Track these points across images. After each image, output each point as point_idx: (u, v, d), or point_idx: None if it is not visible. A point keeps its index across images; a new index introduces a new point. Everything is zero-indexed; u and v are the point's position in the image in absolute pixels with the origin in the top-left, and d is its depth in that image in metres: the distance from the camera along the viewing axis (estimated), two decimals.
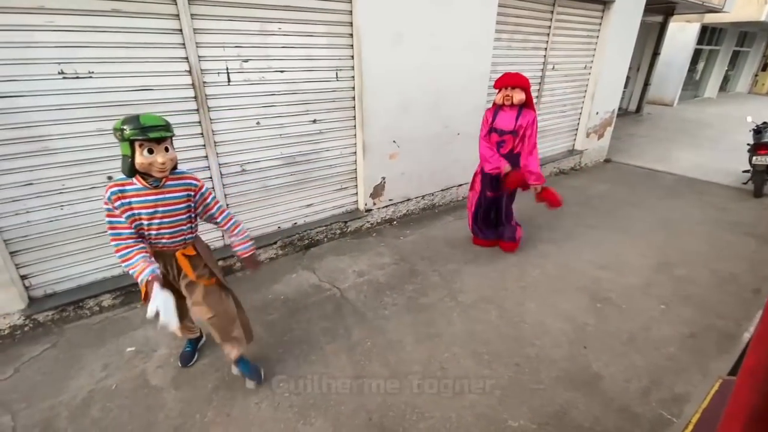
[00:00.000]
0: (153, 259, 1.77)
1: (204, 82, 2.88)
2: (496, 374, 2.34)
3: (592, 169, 6.58)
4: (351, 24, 3.38)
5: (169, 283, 1.95)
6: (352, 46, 3.46)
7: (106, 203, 1.70)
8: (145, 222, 1.75)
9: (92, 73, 2.48)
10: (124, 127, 1.57)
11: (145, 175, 1.68)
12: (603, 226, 4.30)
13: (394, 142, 3.93)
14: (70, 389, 2.18)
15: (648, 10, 6.49)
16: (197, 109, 2.90)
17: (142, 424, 1.99)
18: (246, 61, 3.00)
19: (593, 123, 6.36)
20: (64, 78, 2.41)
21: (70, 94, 2.44)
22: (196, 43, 2.76)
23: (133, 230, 1.74)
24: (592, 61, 5.93)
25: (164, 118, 1.66)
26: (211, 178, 3.11)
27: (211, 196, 1.91)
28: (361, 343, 2.56)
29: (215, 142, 3.06)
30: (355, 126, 3.74)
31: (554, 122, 5.93)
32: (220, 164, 3.13)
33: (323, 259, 3.55)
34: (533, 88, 5.35)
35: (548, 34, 5.12)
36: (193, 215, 1.88)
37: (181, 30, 2.68)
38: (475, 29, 4.11)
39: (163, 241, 1.83)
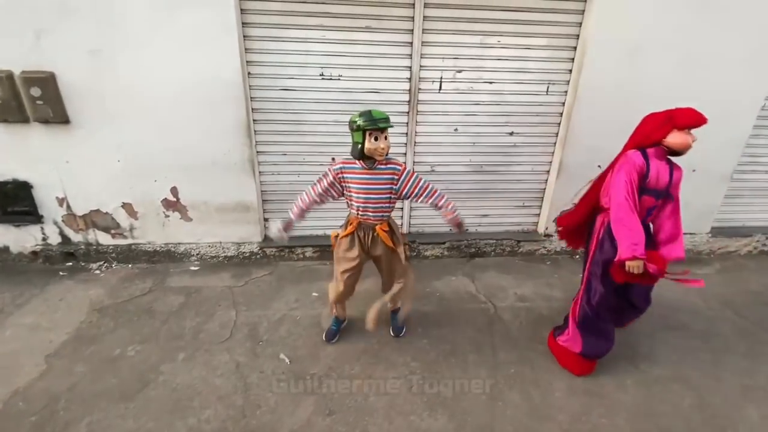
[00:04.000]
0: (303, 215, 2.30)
1: (419, 89, 3.24)
2: None
3: None
4: (577, 37, 3.17)
5: (362, 250, 2.28)
6: (572, 59, 3.23)
7: (330, 171, 2.12)
8: (354, 195, 2.13)
9: (341, 76, 3.15)
10: (360, 119, 1.94)
11: (364, 159, 2.05)
12: None
13: (599, 166, 3.46)
14: (272, 308, 2.89)
15: None
16: (408, 112, 3.30)
17: (308, 353, 2.47)
18: (460, 71, 3.21)
19: None
20: (323, 79, 3.14)
21: (324, 92, 3.17)
22: (421, 54, 3.13)
23: (322, 194, 2.18)
24: None
25: (386, 113, 2.01)
26: None
27: (413, 177, 2.14)
28: (505, 366, 2.43)
29: (415, 142, 3.41)
30: (555, 143, 3.50)
31: None
32: (414, 162, 3.48)
33: (485, 271, 3.49)
34: None
35: None
36: (393, 197, 2.17)
37: (411, 43, 3.09)
38: (752, 40, 3.18)
39: (368, 214, 2.17)
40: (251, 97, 3.11)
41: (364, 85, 3.18)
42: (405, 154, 3.42)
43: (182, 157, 3.12)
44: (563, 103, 3.38)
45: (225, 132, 3.08)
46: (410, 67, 3.16)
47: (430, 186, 2.16)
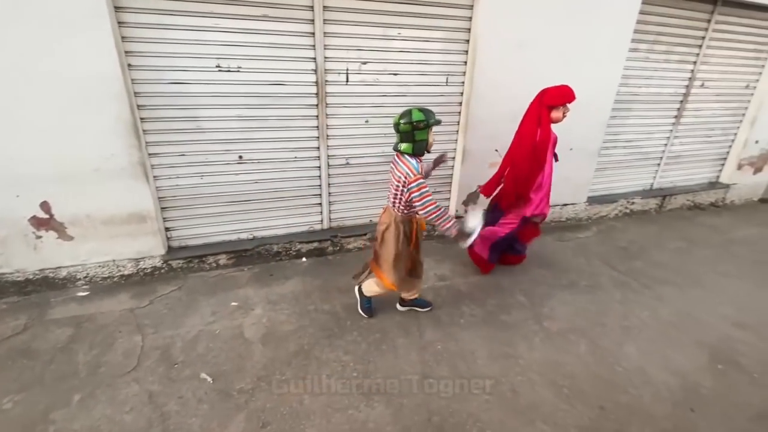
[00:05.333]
0: None
1: (326, 81, 3.18)
2: (575, 412, 2.12)
3: (740, 208, 5.47)
4: (469, 30, 3.40)
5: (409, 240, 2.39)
6: (466, 52, 3.47)
7: (418, 176, 2.11)
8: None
9: (240, 68, 2.94)
10: (428, 117, 2.07)
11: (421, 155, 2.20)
12: (745, 278, 3.55)
13: (496, 150, 3.78)
14: (186, 326, 2.63)
15: None
16: (317, 105, 3.22)
17: (233, 367, 2.30)
18: (365, 63, 3.23)
19: (749, 153, 5.29)
20: (220, 71, 2.90)
21: (222, 84, 2.93)
22: (324, 45, 3.07)
23: None
24: (757, 80, 4.94)
25: None
26: (319, 167, 3.43)
27: None
28: (432, 344, 2.55)
29: (327, 136, 3.36)
30: (457, 131, 3.74)
31: (695, 148, 5.10)
32: (328, 156, 3.43)
33: None
34: (673, 106, 4.69)
35: (700, 46, 4.42)
36: None
37: (313, 33, 3.01)
38: (607, 37, 3.77)
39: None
40: (135, 92, 2.74)
41: (267, 78, 3.02)
42: (318, 147, 3.35)
43: (52, 165, 2.64)
44: (462, 94, 3.62)
45: (106, 133, 2.67)
46: (315, 59, 3.08)
47: None
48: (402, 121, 2.09)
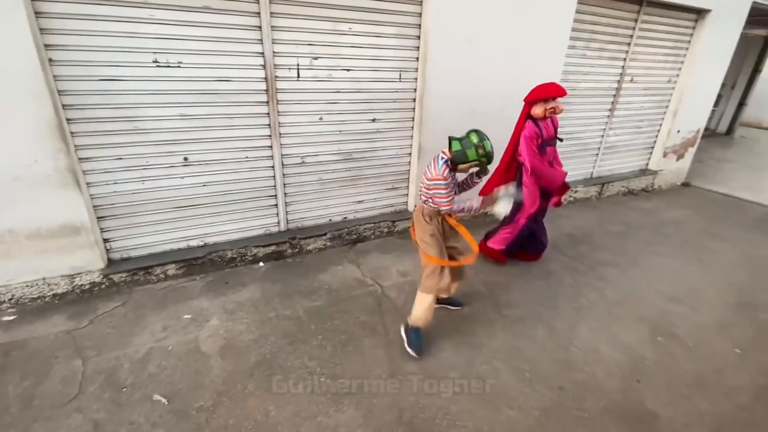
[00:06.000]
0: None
1: (276, 77, 3.05)
2: (537, 394, 2.22)
3: (667, 192, 6.02)
4: (419, 26, 3.41)
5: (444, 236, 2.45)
6: (418, 48, 3.48)
7: (444, 178, 2.19)
8: (454, 189, 2.29)
9: (181, 63, 2.74)
10: (489, 152, 2.14)
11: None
12: (675, 256, 3.91)
13: None
14: (134, 344, 2.42)
15: (750, 22, 5.82)
16: (267, 102, 3.09)
17: (190, 384, 2.15)
18: (316, 58, 3.14)
19: (673, 142, 5.83)
20: (158, 66, 2.68)
21: (161, 81, 2.71)
22: (272, 39, 2.94)
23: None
24: (677, 75, 5.44)
25: None
26: (273, 167, 3.29)
27: None
28: (398, 341, 2.55)
29: (280, 134, 3.23)
30: (413, 128, 3.76)
31: (627, 138, 5.52)
32: (282, 155, 3.30)
33: (368, 255, 3.60)
34: (607, 100, 5.04)
35: (629, 44, 4.78)
36: None
37: (260, 27, 2.87)
38: (549, 35, 3.96)
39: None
40: (59, 90, 2.47)
41: (212, 73, 2.84)
42: (271, 146, 3.22)
43: None
44: (415, 90, 3.63)
45: (25, 137, 2.38)
46: (263, 53, 2.94)
47: None
48: (475, 138, 2.15)
